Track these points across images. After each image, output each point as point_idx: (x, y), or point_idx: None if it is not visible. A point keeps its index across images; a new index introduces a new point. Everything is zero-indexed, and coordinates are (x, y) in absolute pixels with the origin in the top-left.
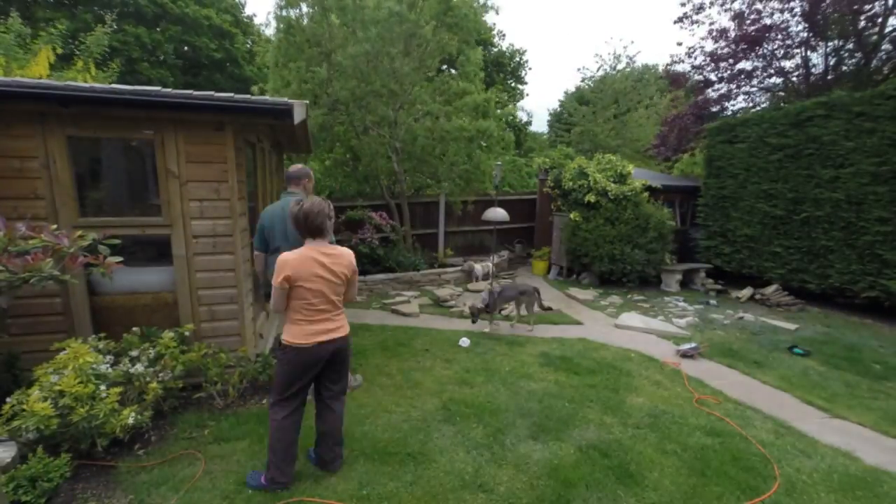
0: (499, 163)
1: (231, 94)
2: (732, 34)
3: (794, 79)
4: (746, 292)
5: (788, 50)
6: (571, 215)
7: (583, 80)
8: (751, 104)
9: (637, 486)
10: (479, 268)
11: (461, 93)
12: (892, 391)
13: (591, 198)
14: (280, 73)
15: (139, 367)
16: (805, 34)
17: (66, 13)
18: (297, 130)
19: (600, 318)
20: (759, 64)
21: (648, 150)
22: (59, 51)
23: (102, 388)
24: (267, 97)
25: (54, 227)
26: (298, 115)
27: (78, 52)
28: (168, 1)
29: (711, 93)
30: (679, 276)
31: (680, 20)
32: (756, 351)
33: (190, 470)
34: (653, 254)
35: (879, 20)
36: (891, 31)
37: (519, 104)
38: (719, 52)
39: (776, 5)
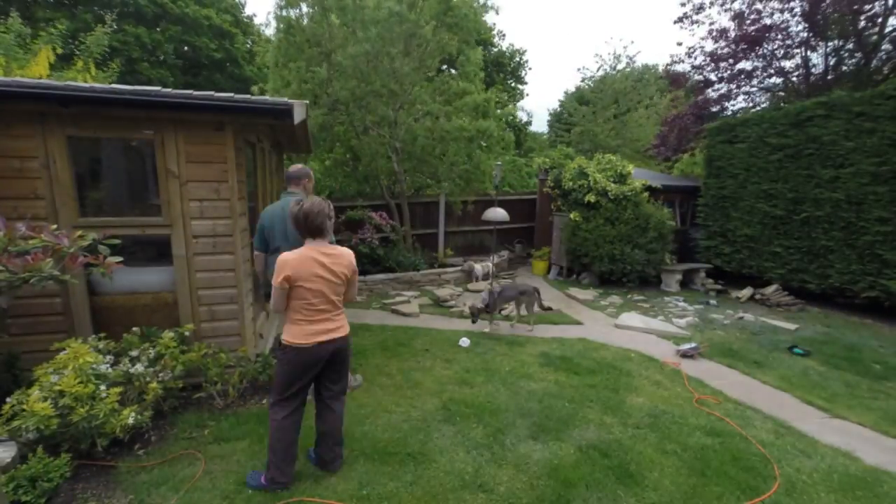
0: (499, 163)
1: (231, 94)
2: (732, 34)
3: (794, 79)
4: (746, 292)
5: (788, 50)
6: (571, 215)
7: (583, 80)
8: (751, 104)
9: (637, 486)
10: (479, 268)
11: (461, 93)
12: (892, 391)
13: (591, 198)
14: (280, 73)
15: (139, 367)
16: (805, 34)
17: (66, 13)
18: (297, 130)
19: (600, 318)
20: (759, 64)
21: (648, 150)
22: (59, 51)
23: (102, 388)
24: (267, 97)
25: (54, 227)
26: (298, 115)
27: (78, 53)
28: (168, 1)
29: (711, 93)
30: (679, 276)
31: (680, 20)
32: (756, 351)
33: (190, 470)
34: (653, 254)
35: (879, 20)
36: (891, 31)
37: (519, 104)
38: (719, 52)
39: (776, 5)
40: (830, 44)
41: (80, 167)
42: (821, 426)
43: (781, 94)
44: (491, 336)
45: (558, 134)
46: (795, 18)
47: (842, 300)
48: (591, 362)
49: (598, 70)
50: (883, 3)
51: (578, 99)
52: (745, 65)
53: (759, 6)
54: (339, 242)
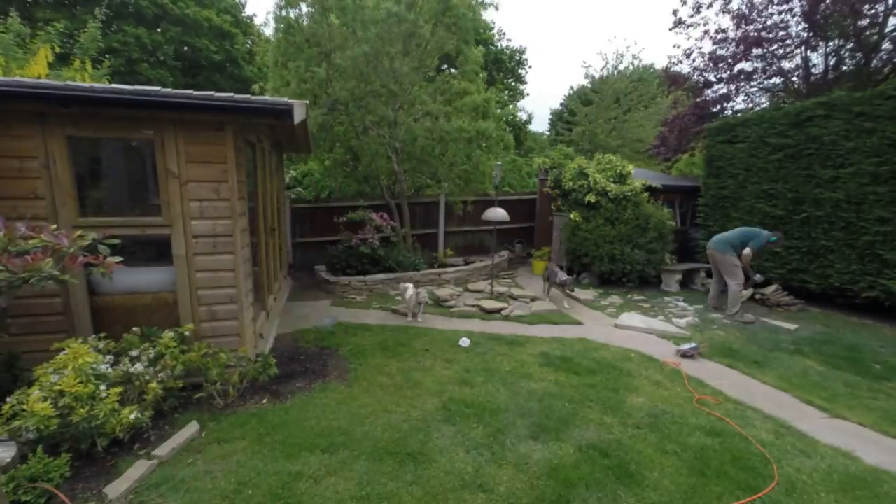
0: (499, 163)
1: (231, 94)
2: (732, 35)
3: (795, 79)
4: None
5: (788, 50)
6: (571, 215)
7: (586, 78)
8: (751, 104)
9: (637, 485)
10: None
11: (462, 93)
12: (892, 391)
13: (591, 198)
14: (280, 72)
15: (139, 367)
16: (805, 34)
17: (65, 13)
18: (297, 130)
19: (600, 318)
20: (759, 65)
21: (648, 151)
22: (58, 50)
23: (102, 388)
24: (267, 97)
25: (54, 227)
26: (298, 115)
27: (75, 52)
28: (168, 2)
29: (711, 94)
30: (679, 276)
31: (676, 25)
32: (756, 351)
33: (190, 470)
34: (653, 254)
35: (879, 20)
36: (891, 31)
37: (519, 104)
38: (718, 52)
39: (776, 6)
40: (830, 44)
41: (80, 167)
42: (821, 426)
43: (781, 94)
44: (491, 336)
45: (559, 132)
46: (795, 18)
47: (842, 300)
48: (591, 362)
49: (601, 69)
50: (883, 2)
51: (581, 97)
52: (744, 65)
53: (758, 6)
54: (340, 243)
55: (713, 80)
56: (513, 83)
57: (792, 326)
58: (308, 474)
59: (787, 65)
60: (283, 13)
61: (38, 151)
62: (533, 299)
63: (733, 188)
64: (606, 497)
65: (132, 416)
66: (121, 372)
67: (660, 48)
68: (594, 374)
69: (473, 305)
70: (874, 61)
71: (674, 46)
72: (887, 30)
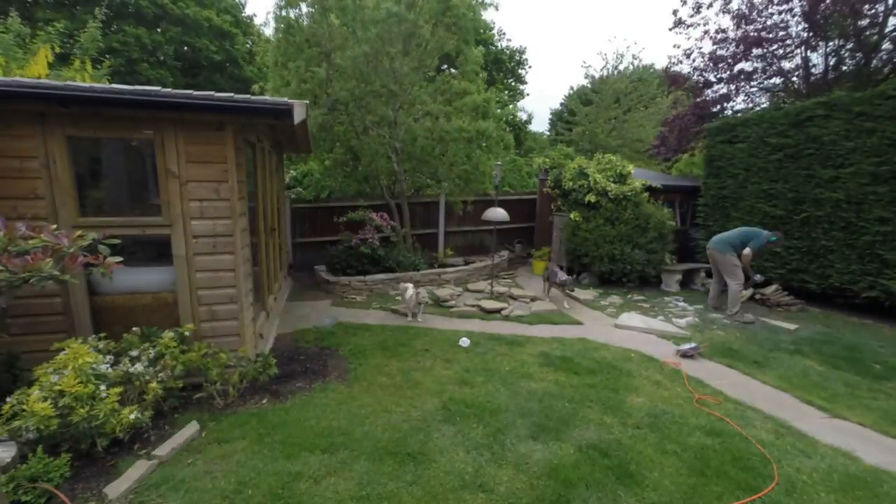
0: (499, 163)
1: (231, 94)
2: (732, 35)
3: (795, 79)
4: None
5: (788, 50)
6: (571, 215)
7: (586, 78)
8: (751, 104)
9: (637, 485)
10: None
11: (462, 93)
12: (892, 391)
13: (591, 198)
14: (280, 72)
15: (139, 367)
16: (805, 34)
17: (65, 14)
18: (296, 130)
19: (600, 318)
20: (759, 65)
21: (648, 151)
22: (58, 50)
23: (102, 388)
24: (267, 97)
25: (54, 227)
26: (298, 115)
27: (75, 52)
28: (168, 2)
29: (710, 94)
30: (679, 276)
31: (676, 25)
32: (756, 351)
33: (190, 470)
34: (653, 254)
35: (879, 20)
36: (891, 31)
37: (519, 104)
38: (718, 52)
39: (776, 6)
40: (830, 44)
41: (80, 167)
42: (821, 426)
43: (781, 94)
44: (491, 336)
45: (559, 132)
46: (795, 18)
47: (842, 300)
48: (591, 362)
49: (601, 69)
50: (883, 2)
51: (581, 97)
52: (744, 65)
53: (758, 6)
54: (340, 243)
55: (713, 80)
56: (513, 83)
57: (792, 326)
58: (308, 474)
59: (787, 65)
60: (283, 13)
61: (38, 151)
62: (533, 299)
63: (733, 188)
64: (606, 497)
65: (132, 416)
66: (121, 372)
67: (660, 48)
68: (594, 374)
69: (473, 305)
70: (874, 61)
71: (674, 46)
72: (887, 30)
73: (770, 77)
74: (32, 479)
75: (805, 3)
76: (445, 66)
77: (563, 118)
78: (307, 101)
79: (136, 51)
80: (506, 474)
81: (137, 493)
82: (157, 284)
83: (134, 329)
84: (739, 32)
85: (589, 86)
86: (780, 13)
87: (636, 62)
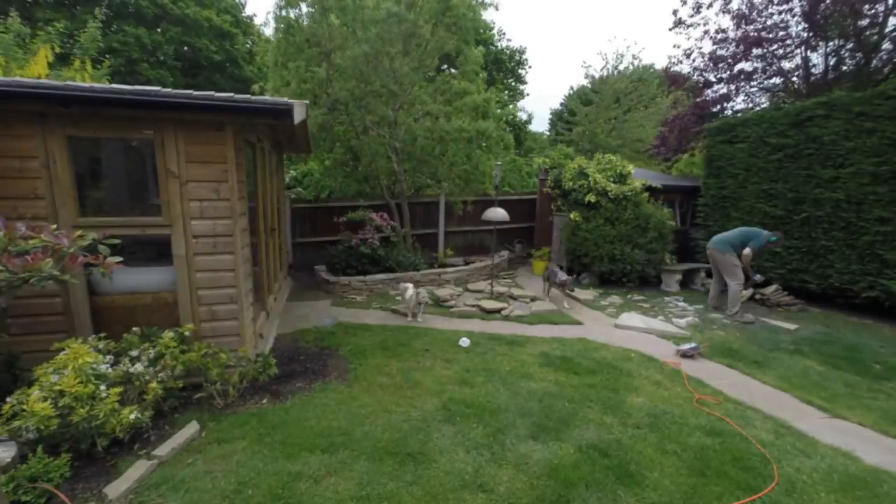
0: (498, 163)
1: (231, 94)
2: (732, 35)
3: (795, 79)
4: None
5: (788, 50)
6: (571, 215)
7: (586, 78)
8: (751, 104)
9: (637, 485)
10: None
11: (462, 93)
12: (892, 391)
13: (591, 198)
14: (280, 72)
15: (139, 367)
16: (805, 34)
17: (65, 14)
18: (296, 130)
19: (600, 318)
20: (759, 65)
21: (648, 151)
22: (58, 50)
23: (102, 388)
24: (267, 97)
25: (54, 227)
26: (298, 115)
27: (75, 52)
28: (168, 2)
29: (710, 94)
30: (679, 276)
31: (676, 25)
32: (756, 351)
33: (190, 470)
34: (653, 254)
35: (879, 20)
36: (891, 31)
37: (519, 104)
38: (718, 52)
39: (776, 6)
40: (830, 44)
41: (80, 167)
42: (821, 426)
43: (781, 94)
44: (491, 336)
45: (559, 132)
46: (795, 18)
47: (842, 300)
48: (591, 362)
49: (601, 69)
50: (883, 2)
51: (581, 97)
52: (744, 65)
53: (758, 6)
54: (340, 242)
55: (713, 80)
56: (513, 83)
57: (792, 326)
58: (308, 474)
59: (787, 65)
60: (283, 13)
61: (38, 151)
62: (533, 299)
63: (733, 188)
64: (606, 497)
65: (132, 416)
66: (121, 372)
67: (660, 48)
68: (594, 374)
69: (473, 305)
70: (874, 61)
71: (674, 46)
72: (887, 30)
73: (770, 77)
74: (32, 479)
75: (805, 3)
76: (445, 66)
77: (563, 118)
78: (307, 101)
79: (136, 51)
80: (506, 474)
81: (137, 493)
82: (157, 284)
83: (134, 329)
84: (739, 32)
85: (589, 86)
86: (780, 13)
87: (636, 62)
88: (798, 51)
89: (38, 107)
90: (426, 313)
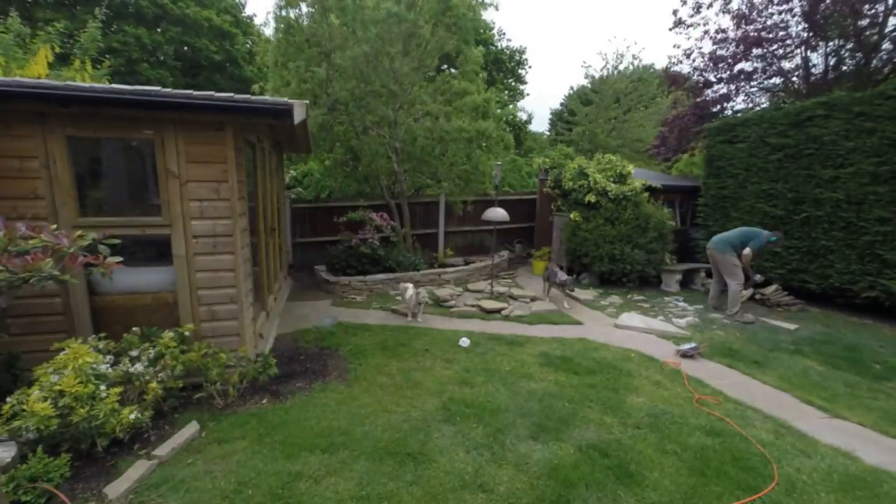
0: (498, 163)
1: (231, 94)
2: (732, 35)
3: (795, 79)
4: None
5: (788, 50)
6: (571, 215)
7: (586, 78)
8: (751, 104)
9: (637, 485)
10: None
11: (462, 93)
12: (892, 391)
13: (591, 198)
14: (280, 72)
15: (139, 367)
16: (805, 34)
17: (65, 14)
18: (296, 130)
19: (600, 318)
20: (759, 65)
21: (648, 151)
22: (58, 50)
23: (102, 388)
24: (267, 97)
25: (54, 227)
26: (298, 115)
27: (75, 52)
28: (168, 2)
29: (710, 94)
30: (679, 276)
31: (676, 25)
32: (756, 351)
33: (190, 470)
34: (653, 254)
35: (879, 20)
36: (891, 31)
37: (519, 104)
38: (718, 52)
39: (776, 6)
40: (830, 44)
41: (80, 167)
42: (821, 426)
43: (781, 94)
44: (491, 336)
45: (559, 132)
46: (795, 18)
47: (842, 300)
48: (591, 362)
49: (601, 69)
50: (883, 2)
51: (581, 97)
52: (744, 65)
53: (758, 6)
54: (340, 242)
55: (713, 80)
56: (513, 83)
57: (792, 326)
58: (308, 474)
59: (787, 65)
60: (284, 13)
61: (38, 151)
62: (533, 299)
63: (733, 188)
64: (606, 497)
65: (132, 416)
66: (121, 372)
67: (660, 48)
68: (594, 374)
69: (473, 305)
70: (874, 61)
71: (674, 46)
72: (887, 30)
73: (770, 77)
74: (32, 479)
75: (805, 3)
76: (445, 66)
77: (563, 118)
78: (307, 101)
79: (136, 51)
80: (506, 474)
81: (137, 493)
82: (157, 284)
83: (134, 329)
84: (739, 32)
85: (589, 86)
86: (779, 13)
87: (636, 62)
88: (798, 51)
89: (38, 107)
90: (426, 313)
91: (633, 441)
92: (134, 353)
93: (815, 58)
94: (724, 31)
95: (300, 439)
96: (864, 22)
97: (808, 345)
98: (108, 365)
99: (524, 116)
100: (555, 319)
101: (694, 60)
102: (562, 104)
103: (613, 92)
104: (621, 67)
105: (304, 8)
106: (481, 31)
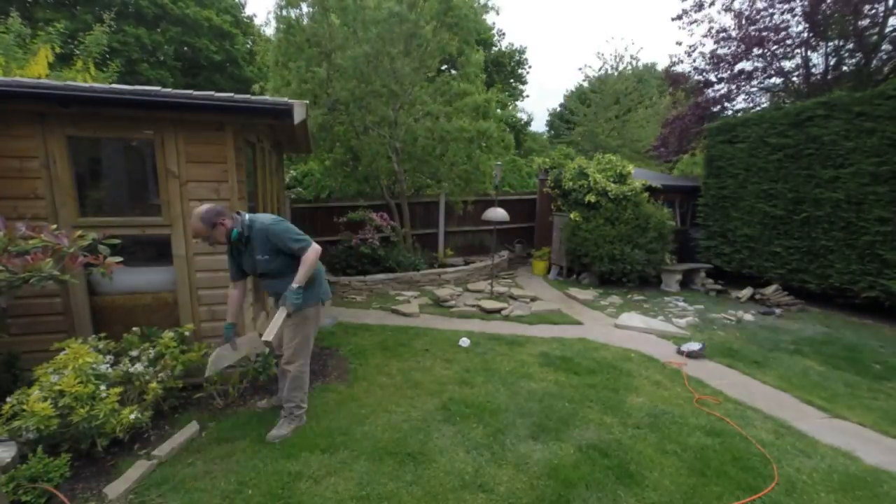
0: (499, 163)
1: (231, 94)
2: (733, 34)
3: (795, 79)
4: (746, 292)
5: (789, 50)
6: (571, 215)
7: (585, 79)
8: (751, 104)
9: (637, 485)
10: None
11: (462, 93)
12: (892, 391)
13: (592, 198)
14: (280, 72)
15: (139, 367)
16: (805, 34)
17: (66, 14)
18: (297, 130)
19: (600, 318)
20: (760, 64)
21: (649, 152)
22: (59, 50)
23: (102, 388)
24: (267, 97)
25: (54, 227)
26: (298, 115)
27: (77, 52)
28: (168, 2)
29: (711, 93)
30: (679, 276)
31: (679, 17)
32: (756, 351)
33: (190, 470)
34: (653, 254)
35: (879, 20)
36: (891, 31)
37: (519, 105)
38: (719, 52)
39: (777, 5)
40: (831, 44)
41: (80, 167)
42: (821, 426)
43: (782, 94)
44: (491, 336)
45: (559, 132)
46: (796, 18)
47: (842, 300)
48: (591, 362)
49: (599, 69)
50: (883, 2)
51: (580, 97)
52: (745, 65)
53: (759, 5)
54: (340, 242)
55: (713, 79)
56: (513, 83)
57: (792, 326)
58: (308, 474)
59: (787, 65)
60: (284, 13)
61: (38, 151)
62: (533, 299)
63: (733, 188)
64: (606, 497)
65: (132, 416)
66: (121, 372)
67: (659, 49)
68: (594, 374)
69: (473, 305)
70: (874, 61)
71: (676, 43)
72: (887, 30)
73: (770, 77)
74: (32, 479)
75: (806, 3)
76: (445, 66)
77: (563, 118)
78: (307, 101)
79: (136, 51)
80: (506, 474)
81: (137, 493)
82: (157, 284)
83: (134, 329)
84: (741, 32)
85: (588, 86)
86: (781, 13)
87: (635, 62)
88: (798, 51)
89: (38, 107)
90: (426, 313)
91: (633, 441)
92: (134, 353)
93: (816, 58)
94: (725, 30)
95: (300, 439)
96: (865, 22)
97: (808, 345)
98: (108, 365)
99: (524, 117)
100: (555, 319)
101: (695, 60)
102: (561, 105)
103: (613, 92)
104: (620, 68)
105: (305, 8)
106: (482, 32)
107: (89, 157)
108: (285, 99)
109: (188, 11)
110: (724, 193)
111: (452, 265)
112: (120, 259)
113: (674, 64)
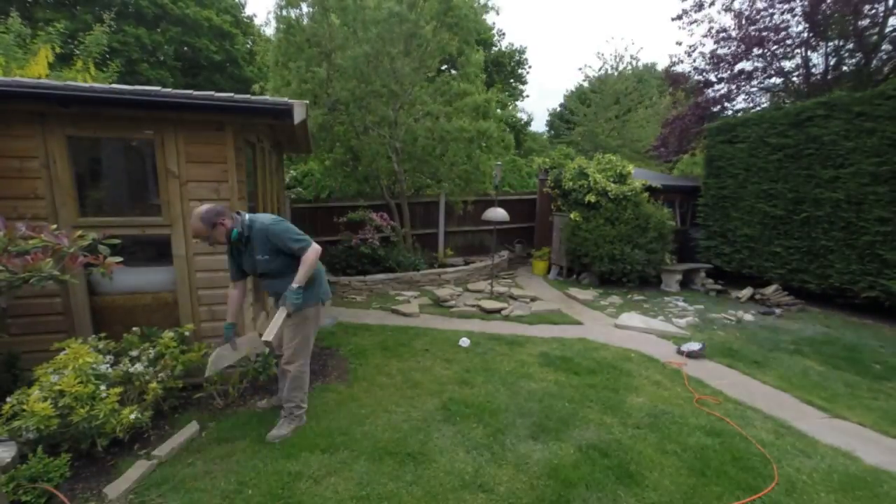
0: (499, 163)
1: (231, 94)
2: (733, 34)
3: (795, 79)
4: (746, 292)
5: (789, 50)
6: (571, 215)
7: (585, 79)
8: (751, 104)
9: (637, 486)
10: None
11: (462, 93)
12: (892, 391)
13: (592, 198)
14: (280, 72)
15: (139, 367)
16: (805, 34)
17: (66, 14)
18: (297, 130)
19: (600, 318)
20: (760, 64)
21: (649, 152)
22: (59, 50)
23: (102, 388)
24: (267, 97)
25: (54, 227)
26: (298, 115)
27: (77, 53)
28: (168, 2)
29: (711, 93)
30: (679, 276)
31: (679, 17)
32: (756, 351)
33: (190, 470)
34: (653, 254)
35: (880, 20)
36: (891, 31)
37: (520, 105)
38: (719, 52)
39: (777, 5)
40: (831, 44)
41: (80, 167)
42: (821, 426)
43: (782, 94)
44: (491, 336)
45: (559, 132)
46: (796, 18)
47: (842, 300)
48: (591, 362)
49: (599, 69)
50: (883, 3)
51: (580, 97)
52: (745, 65)
53: (759, 5)
54: (340, 243)
55: (713, 79)
56: (513, 83)
57: (792, 326)
58: (308, 474)
59: (787, 65)
60: (284, 13)
61: (38, 151)
62: (533, 299)
63: (733, 188)
64: (606, 497)
65: (132, 416)
66: (121, 372)
67: (659, 49)
68: (594, 374)
69: (473, 305)
70: (874, 61)
71: (676, 44)
72: (887, 30)
73: (770, 77)
74: (32, 479)
75: (806, 3)
76: (445, 67)
77: (563, 118)
78: (307, 101)
79: (136, 51)
80: (506, 474)
81: (137, 493)
82: (157, 284)
83: (134, 329)
84: (741, 32)
85: (588, 86)
86: (780, 13)
87: (635, 62)
88: (798, 51)
89: (39, 107)
90: (426, 313)
91: (633, 441)
92: (134, 353)
93: (816, 58)
94: (725, 30)
95: (300, 439)
96: (865, 22)
97: (808, 345)
98: (108, 365)
99: (524, 117)
100: (555, 319)
101: (695, 60)
102: (561, 105)
103: (613, 92)
104: (620, 68)
105: (305, 8)
106: (482, 32)
107: (89, 156)
108: (285, 99)
109: (188, 11)
110: (724, 193)
111: (452, 265)
112: (120, 259)
113: (674, 64)
